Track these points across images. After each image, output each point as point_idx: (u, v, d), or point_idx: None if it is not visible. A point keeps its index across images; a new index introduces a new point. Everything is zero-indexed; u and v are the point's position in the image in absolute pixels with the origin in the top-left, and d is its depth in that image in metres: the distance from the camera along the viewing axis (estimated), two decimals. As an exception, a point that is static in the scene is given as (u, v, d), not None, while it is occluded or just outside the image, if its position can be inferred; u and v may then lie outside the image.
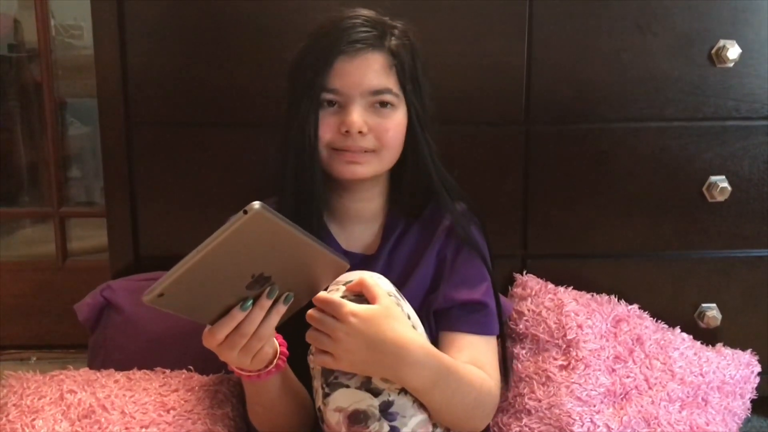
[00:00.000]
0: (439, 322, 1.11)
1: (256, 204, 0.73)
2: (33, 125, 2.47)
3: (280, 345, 0.95)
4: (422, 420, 0.94)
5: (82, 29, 2.34)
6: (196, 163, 1.48)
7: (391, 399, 0.91)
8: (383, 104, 1.07)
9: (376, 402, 0.90)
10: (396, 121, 1.08)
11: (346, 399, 0.90)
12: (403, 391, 0.92)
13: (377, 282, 0.93)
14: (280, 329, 0.95)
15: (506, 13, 1.43)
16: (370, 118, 1.07)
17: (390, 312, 0.90)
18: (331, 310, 0.88)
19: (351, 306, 0.88)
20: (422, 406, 0.94)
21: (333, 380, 0.91)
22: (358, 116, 1.05)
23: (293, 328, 0.95)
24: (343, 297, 0.91)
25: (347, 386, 0.91)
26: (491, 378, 1.05)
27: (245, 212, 0.73)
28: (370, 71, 1.06)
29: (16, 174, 2.53)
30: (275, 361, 0.93)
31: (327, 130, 1.07)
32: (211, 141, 1.48)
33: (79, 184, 2.47)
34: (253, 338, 0.84)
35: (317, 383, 0.94)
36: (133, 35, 1.45)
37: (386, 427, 0.90)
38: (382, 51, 1.07)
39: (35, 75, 2.28)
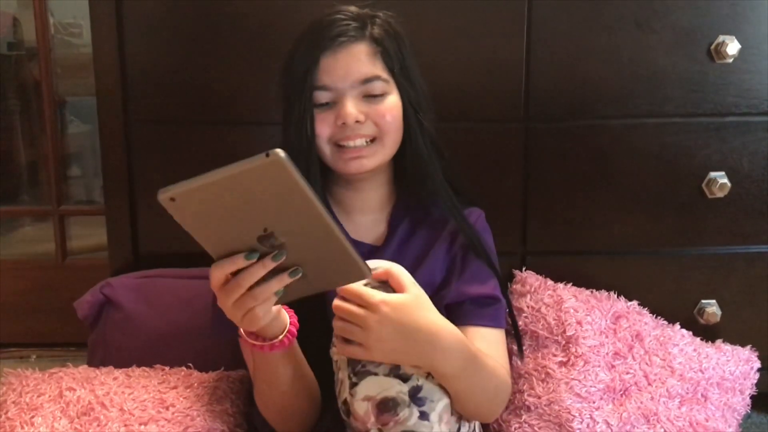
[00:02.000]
0: (451, 316, 1.11)
1: (281, 151, 0.71)
2: (33, 124, 2.48)
3: (291, 324, 0.94)
4: (447, 404, 0.95)
5: (81, 27, 2.34)
6: (195, 161, 1.48)
7: (419, 384, 0.91)
8: (374, 95, 1.08)
9: (405, 388, 0.90)
10: (390, 105, 1.09)
11: (374, 387, 0.90)
12: (430, 374, 0.93)
13: (403, 271, 0.93)
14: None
15: (505, 10, 1.42)
16: (364, 107, 1.08)
17: (420, 300, 0.91)
18: (359, 301, 0.88)
19: (381, 295, 0.88)
20: (447, 390, 0.95)
21: (361, 369, 0.91)
22: (352, 107, 1.06)
23: (311, 324, 0.96)
24: (366, 284, 0.90)
25: (375, 374, 0.91)
26: (505, 369, 1.08)
27: (267, 155, 0.71)
28: (356, 61, 1.07)
29: (15, 172, 2.54)
30: (281, 336, 0.92)
31: (324, 127, 1.09)
32: (210, 139, 1.48)
33: (79, 182, 2.47)
34: (247, 294, 0.82)
35: (343, 374, 0.94)
36: (131, 33, 1.45)
37: (416, 413, 0.90)
38: (365, 40, 1.08)
39: (35, 73, 2.28)
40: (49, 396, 1.18)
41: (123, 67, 1.46)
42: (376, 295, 0.88)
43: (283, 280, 0.83)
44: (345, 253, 0.82)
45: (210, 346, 1.28)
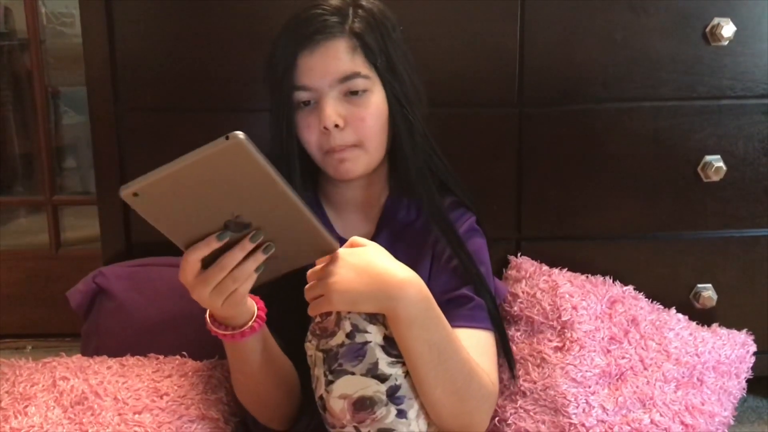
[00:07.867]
0: None
1: (240, 133, 0.71)
2: (26, 115, 2.47)
3: (258, 309, 0.95)
4: None
5: (73, 17, 2.33)
6: (186, 149, 1.45)
7: (398, 383, 0.90)
8: (355, 92, 1.06)
9: (383, 387, 0.89)
10: (372, 108, 1.07)
11: (351, 386, 0.89)
12: (408, 373, 0.92)
13: (365, 240, 0.95)
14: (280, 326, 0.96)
15: (499, -6, 1.42)
16: (344, 108, 1.06)
17: (380, 249, 0.92)
18: (325, 261, 0.91)
19: (343, 249, 0.91)
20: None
21: (337, 367, 0.90)
22: (331, 110, 1.04)
23: (291, 319, 0.97)
24: None
25: (352, 373, 0.89)
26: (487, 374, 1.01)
27: (227, 138, 0.70)
28: (334, 59, 1.05)
29: (10, 164, 2.53)
30: (251, 322, 0.93)
31: (311, 133, 1.07)
32: (201, 126, 1.47)
33: (74, 174, 2.47)
34: (228, 277, 0.84)
35: (319, 371, 0.93)
36: (121, 21, 1.44)
37: (393, 411, 0.90)
38: (344, 35, 1.06)
39: (27, 64, 2.27)
40: (43, 386, 1.18)
41: (113, 56, 1.45)
42: (339, 250, 0.90)
43: (258, 258, 0.84)
44: (313, 229, 0.83)
45: (204, 334, 1.27)
